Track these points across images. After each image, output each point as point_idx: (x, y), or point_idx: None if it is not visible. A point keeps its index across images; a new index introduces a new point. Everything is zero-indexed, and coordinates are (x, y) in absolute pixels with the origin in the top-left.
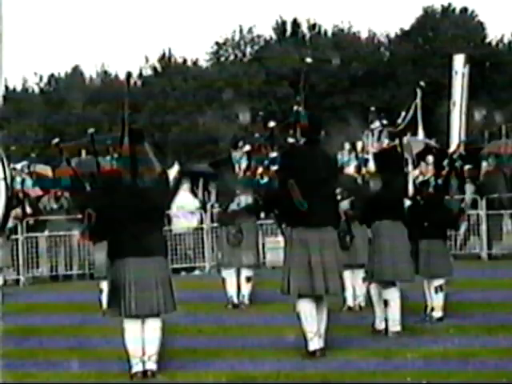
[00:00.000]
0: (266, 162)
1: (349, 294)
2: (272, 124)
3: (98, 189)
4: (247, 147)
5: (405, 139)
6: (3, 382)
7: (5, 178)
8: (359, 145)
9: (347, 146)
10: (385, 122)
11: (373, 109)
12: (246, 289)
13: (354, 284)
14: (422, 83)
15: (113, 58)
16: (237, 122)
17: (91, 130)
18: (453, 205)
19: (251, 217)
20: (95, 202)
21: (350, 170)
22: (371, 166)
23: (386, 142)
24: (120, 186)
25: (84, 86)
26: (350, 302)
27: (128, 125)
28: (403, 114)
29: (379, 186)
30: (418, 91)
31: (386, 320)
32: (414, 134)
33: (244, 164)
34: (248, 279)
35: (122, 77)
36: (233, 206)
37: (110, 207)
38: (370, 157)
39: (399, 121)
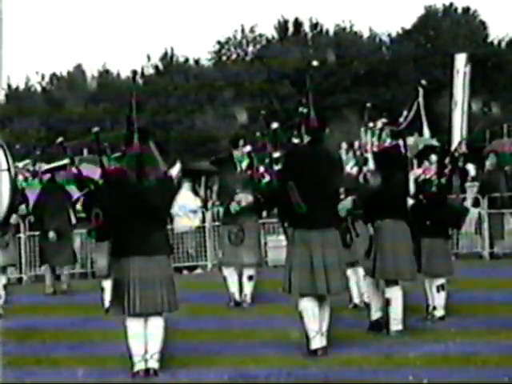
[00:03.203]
0: (268, 162)
1: (354, 291)
2: (275, 125)
3: (103, 188)
4: (248, 148)
5: (412, 139)
6: (4, 381)
7: (9, 169)
8: (357, 143)
9: (344, 145)
10: (384, 120)
11: (368, 105)
12: (248, 287)
13: (358, 281)
14: (423, 82)
15: (115, 56)
16: (238, 121)
17: (96, 129)
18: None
19: (253, 216)
20: (100, 201)
21: (350, 168)
22: (371, 164)
23: (388, 141)
24: (125, 185)
25: (86, 85)
26: (355, 299)
27: (135, 124)
28: (405, 112)
29: (380, 184)
30: (420, 90)
31: (387, 317)
32: (420, 133)
33: (245, 163)
34: (250, 278)
35: (124, 76)
36: (233, 205)
37: (115, 206)
38: (370, 156)
39: (401, 120)
